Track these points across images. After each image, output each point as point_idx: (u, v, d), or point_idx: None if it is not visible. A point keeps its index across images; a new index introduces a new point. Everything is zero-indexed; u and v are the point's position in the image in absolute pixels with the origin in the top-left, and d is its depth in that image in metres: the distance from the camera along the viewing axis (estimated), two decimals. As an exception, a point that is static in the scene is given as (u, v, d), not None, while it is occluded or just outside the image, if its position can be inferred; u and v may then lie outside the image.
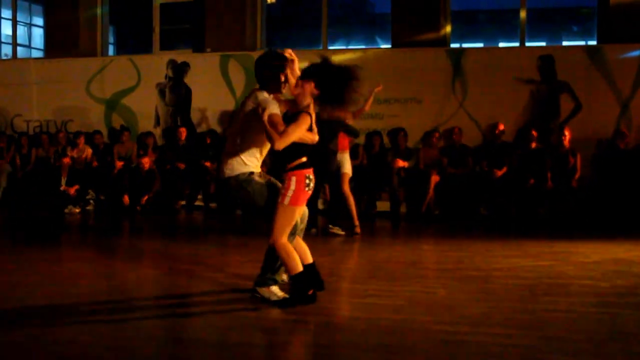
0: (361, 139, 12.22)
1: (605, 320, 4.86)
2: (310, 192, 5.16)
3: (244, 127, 5.20)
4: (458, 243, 8.63)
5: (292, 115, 5.17)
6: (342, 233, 9.12)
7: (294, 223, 5.15)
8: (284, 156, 5.11)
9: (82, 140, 13.25)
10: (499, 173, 11.44)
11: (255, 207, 5.26)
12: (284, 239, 5.09)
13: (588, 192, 11.16)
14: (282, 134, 4.91)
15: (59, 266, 7.13)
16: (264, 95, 5.16)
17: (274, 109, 5.04)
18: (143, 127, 13.56)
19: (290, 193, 5.07)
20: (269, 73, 5.22)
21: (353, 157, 11.81)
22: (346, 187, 9.25)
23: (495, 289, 5.85)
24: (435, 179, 11.53)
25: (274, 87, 5.22)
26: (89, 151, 13.25)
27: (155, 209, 12.14)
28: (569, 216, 10.90)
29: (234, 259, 7.31)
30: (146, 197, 12.18)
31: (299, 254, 5.23)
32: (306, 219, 5.45)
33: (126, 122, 13.65)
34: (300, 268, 5.10)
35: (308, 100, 5.16)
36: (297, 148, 5.09)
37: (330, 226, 9.23)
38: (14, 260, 7.22)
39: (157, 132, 13.56)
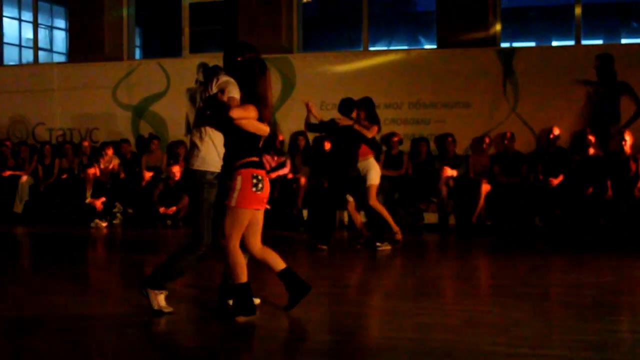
0: (406, 146, 12.28)
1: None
2: (261, 194, 5.23)
3: (209, 117, 5.39)
4: (512, 257, 8.64)
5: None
6: (389, 247, 9.15)
7: (251, 227, 5.28)
8: (234, 153, 5.26)
9: (110, 150, 13.39)
10: (555, 182, 11.39)
11: (195, 212, 5.39)
12: (233, 243, 5.22)
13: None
14: (240, 107, 5.18)
15: (84, 284, 7.27)
16: (226, 77, 5.45)
17: (234, 92, 5.29)
18: (173, 135, 13.65)
19: (235, 193, 5.19)
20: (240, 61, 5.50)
21: (396, 166, 11.91)
22: (373, 201, 9.29)
23: (554, 308, 5.87)
24: (486, 188, 11.51)
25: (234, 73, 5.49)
26: (116, 162, 13.42)
27: (186, 222, 12.25)
28: (632, 228, 10.81)
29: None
30: (174, 209, 12.27)
31: (270, 262, 5.42)
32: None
33: (155, 130, 13.77)
34: (245, 279, 5.24)
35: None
36: (247, 146, 5.26)
37: (378, 244, 9.19)
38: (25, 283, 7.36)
39: (188, 140, 13.65)
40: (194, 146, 5.44)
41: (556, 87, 11.95)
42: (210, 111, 5.35)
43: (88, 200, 12.68)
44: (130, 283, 7.11)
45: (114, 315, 5.63)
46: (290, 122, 12.93)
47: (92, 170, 12.92)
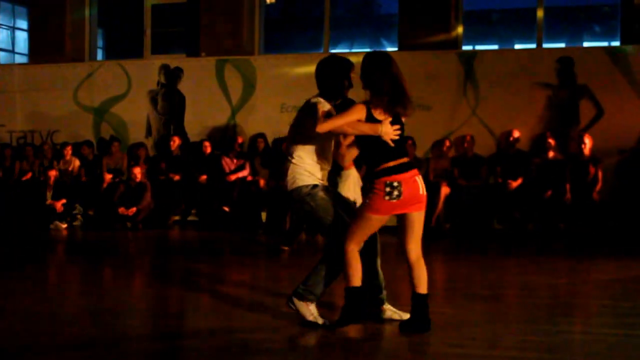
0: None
1: (624, 342, 4.87)
2: (397, 201, 4.93)
3: (302, 137, 5.22)
4: (469, 260, 8.68)
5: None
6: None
7: (369, 232, 5.07)
8: (368, 162, 5.08)
9: (69, 151, 13.32)
10: (514, 184, 11.46)
11: (320, 223, 5.25)
12: (351, 245, 5.04)
13: (610, 204, 11.16)
14: (330, 119, 4.94)
15: (42, 286, 7.18)
16: (318, 98, 5.21)
17: (326, 106, 5.12)
18: (134, 138, 13.59)
19: (367, 199, 5.01)
20: (330, 80, 5.25)
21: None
22: None
23: (507, 309, 5.89)
24: (445, 191, 11.55)
25: (334, 94, 5.27)
26: (76, 163, 13.32)
27: (147, 224, 12.17)
28: (590, 231, 10.90)
29: (231, 276, 7.35)
30: (134, 209, 12.16)
31: (351, 270, 5.12)
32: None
33: (116, 132, 13.69)
34: (358, 283, 5.07)
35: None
36: (378, 151, 4.98)
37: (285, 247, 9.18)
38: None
39: (149, 142, 13.60)
40: (286, 169, 5.30)
41: (517, 90, 12.05)
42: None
43: (48, 202, 12.55)
44: (87, 284, 7.04)
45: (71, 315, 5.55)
46: (250, 124, 12.90)
47: (53, 172, 12.81)
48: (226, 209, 12.00)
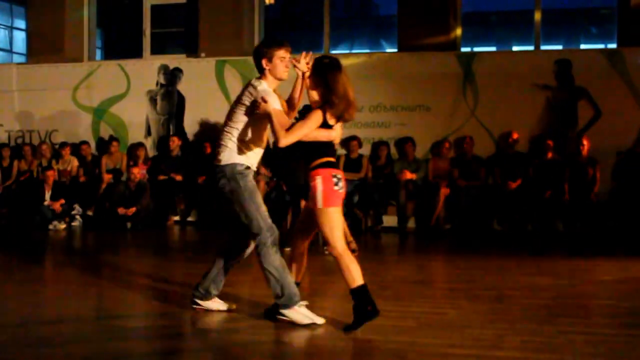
0: (366, 149, 12.30)
1: (625, 343, 4.90)
2: (342, 192, 5.13)
3: (242, 119, 5.31)
4: (470, 260, 8.69)
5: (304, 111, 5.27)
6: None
7: (339, 222, 5.14)
8: (309, 155, 5.15)
9: (67, 151, 13.31)
10: (513, 185, 11.50)
11: (234, 205, 5.32)
12: (340, 245, 5.08)
13: (608, 205, 11.21)
14: (288, 130, 5.02)
15: (41, 287, 7.18)
16: (263, 85, 5.31)
17: (275, 103, 5.17)
18: (133, 138, 13.59)
19: (319, 194, 5.08)
20: (265, 60, 5.35)
21: (356, 169, 11.91)
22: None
23: (509, 310, 5.90)
24: (445, 191, 11.59)
25: (275, 74, 5.36)
26: (74, 163, 13.31)
27: (146, 224, 12.17)
28: (588, 231, 10.95)
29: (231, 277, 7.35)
30: (134, 209, 12.16)
31: (297, 267, 5.38)
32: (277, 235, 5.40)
33: (115, 132, 13.67)
34: (361, 281, 5.09)
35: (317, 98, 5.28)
36: (322, 147, 5.14)
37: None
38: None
39: (148, 142, 13.60)
40: (220, 144, 5.38)
41: (515, 91, 12.08)
42: (251, 115, 5.27)
43: (47, 202, 12.52)
44: (87, 286, 7.05)
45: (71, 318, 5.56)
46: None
47: (52, 172, 12.79)
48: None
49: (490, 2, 19.28)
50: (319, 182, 5.08)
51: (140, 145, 13.32)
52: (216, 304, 5.66)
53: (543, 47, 13.22)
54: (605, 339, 4.96)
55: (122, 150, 13.43)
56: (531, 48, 13.21)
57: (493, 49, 19.88)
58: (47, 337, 5.04)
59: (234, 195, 5.30)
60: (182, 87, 13.52)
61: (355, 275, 5.07)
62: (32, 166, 13.56)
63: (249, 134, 5.31)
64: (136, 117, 13.67)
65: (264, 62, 5.35)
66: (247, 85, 5.40)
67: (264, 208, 5.36)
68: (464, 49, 13.58)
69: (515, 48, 18.12)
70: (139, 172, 12.48)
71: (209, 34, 13.71)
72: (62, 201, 12.56)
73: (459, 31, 13.14)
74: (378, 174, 12.11)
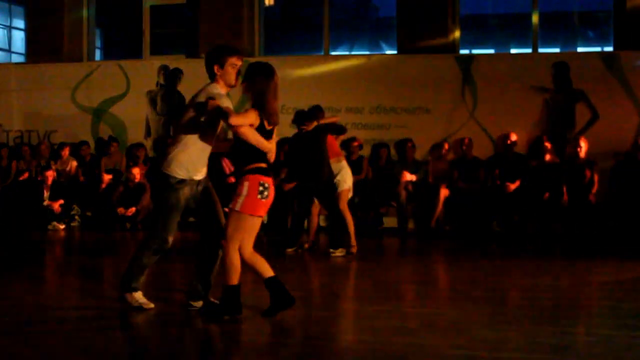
0: (366, 151, 12.31)
1: (626, 343, 4.90)
2: (265, 201, 5.27)
3: (192, 125, 5.44)
4: (470, 261, 8.71)
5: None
6: (342, 255, 8.96)
7: (249, 232, 5.29)
8: (242, 159, 5.31)
9: (66, 151, 13.29)
10: (512, 187, 11.53)
11: (156, 215, 5.65)
12: (232, 245, 5.24)
13: (606, 207, 11.25)
14: (239, 114, 5.20)
15: (39, 287, 7.18)
16: (217, 89, 5.45)
17: (227, 103, 5.32)
18: (133, 138, 13.54)
19: (241, 199, 5.23)
20: (216, 66, 5.50)
21: (356, 171, 11.92)
22: (343, 206, 9.03)
23: (511, 311, 5.92)
24: (444, 193, 11.62)
25: (226, 80, 5.51)
26: (73, 164, 13.28)
27: (146, 225, 12.13)
28: (587, 232, 10.99)
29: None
30: (134, 209, 12.15)
31: (259, 268, 5.38)
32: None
33: (114, 133, 13.63)
34: (237, 282, 5.27)
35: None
36: (256, 152, 5.26)
37: (332, 250, 9.01)
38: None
39: (148, 143, 13.57)
40: (167, 149, 5.58)
41: (514, 93, 12.10)
42: (201, 117, 5.38)
43: (46, 202, 12.50)
44: (86, 286, 7.05)
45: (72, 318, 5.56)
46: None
47: (51, 173, 12.76)
48: (227, 210, 11.96)
49: (488, 5, 19.31)
50: (245, 187, 5.23)
51: (140, 145, 13.29)
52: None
53: (541, 50, 13.25)
54: (608, 340, 4.97)
55: (122, 151, 13.41)
56: (529, 51, 13.24)
57: (491, 51, 19.87)
58: (46, 337, 5.04)
59: (158, 201, 5.63)
60: (182, 88, 13.49)
61: (233, 275, 5.25)
62: (31, 166, 13.52)
63: (196, 142, 5.46)
64: (136, 117, 13.63)
65: (215, 67, 5.51)
66: (200, 90, 5.53)
67: (173, 226, 5.62)
68: (462, 52, 13.60)
69: (513, 51, 18.10)
70: (138, 173, 12.45)
71: (209, 34, 13.68)
72: (61, 201, 12.54)
73: (457, 34, 13.17)
74: (378, 175, 12.12)
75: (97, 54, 16.53)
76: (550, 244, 10.42)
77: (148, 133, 13.63)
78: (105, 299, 6.38)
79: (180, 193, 5.50)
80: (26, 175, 13.35)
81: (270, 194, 5.30)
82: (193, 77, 13.37)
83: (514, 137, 11.86)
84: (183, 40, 14.51)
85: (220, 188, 11.91)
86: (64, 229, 12.27)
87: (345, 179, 9.16)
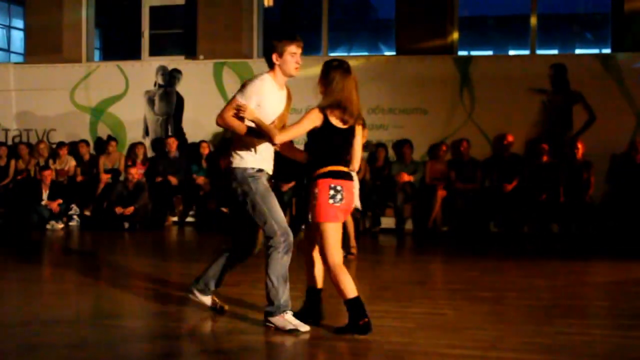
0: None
1: (623, 343, 4.93)
2: (340, 205, 4.94)
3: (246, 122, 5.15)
4: (467, 262, 8.72)
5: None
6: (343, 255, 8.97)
7: (335, 237, 4.97)
8: (313, 162, 5.00)
9: (65, 150, 13.29)
10: (509, 187, 11.55)
11: (246, 208, 5.17)
12: (332, 260, 4.93)
13: (603, 207, 11.28)
14: (288, 129, 5.02)
15: (38, 287, 7.19)
16: (255, 86, 5.15)
17: (254, 100, 5.08)
18: (131, 138, 13.57)
19: (314, 208, 4.95)
20: (275, 55, 5.20)
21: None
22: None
23: (508, 311, 5.94)
24: (442, 193, 11.64)
25: (285, 70, 5.22)
26: (72, 163, 13.29)
27: (144, 225, 12.15)
28: (583, 233, 11.01)
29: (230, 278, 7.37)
30: (132, 209, 12.14)
31: (315, 275, 5.18)
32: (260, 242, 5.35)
33: (113, 132, 13.65)
34: (355, 293, 4.94)
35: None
36: (328, 154, 4.98)
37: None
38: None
39: (147, 142, 13.59)
40: (232, 147, 5.28)
41: (512, 95, 12.14)
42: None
43: (44, 202, 12.50)
44: (84, 286, 7.06)
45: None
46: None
47: (49, 172, 12.76)
48: (225, 210, 11.99)
49: (487, 7, 19.35)
50: (315, 194, 4.95)
51: (139, 144, 13.31)
52: (209, 300, 5.57)
53: (539, 52, 13.28)
54: (605, 340, 5.00)
55: (120, 150, 13.42)
56: (527, 52, 13.27)
57: (490, 53, 19.96)
58: (44, 337, 5.04)
59: (247, 198, 5.17)
60: (180, 88, 13.52)
61: (348, 288, 4.94)
62: (29, 165, 13.52)
63: (254, 137, 5.15)
64: (134, 117, 13.66)
65: (274, 56, 5.19)
66: (244, 85, 5.25)
67: (278, 211, 5.16)
68: (461, 53, 13.64)
69: (511, 52, 18.19)
70: (136, 172, 12.45)
71: (208, 36, 13.69)
72: (60, 201, 12.52)
73: (456, 35, 13.18)
74: (376, 176, 12.13)
75: (96, 55, 16.52)
76: (547, 244, 10.44)
77: (147, 133, 13.67)
78: (105, 299, 6.40)
79: (262, 180, 5.19)
80: (24, 174, 13.34)
81: (346, 197, 4.95)
82: (191, 78, 13.44)
83: (510, 138, 11.89)
84: (182, 41, 14.51)
85: (219, 188, 12.08)
86: (62, 228, 12.27)
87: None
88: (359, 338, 4.95)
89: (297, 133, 5.02)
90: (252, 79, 5.23)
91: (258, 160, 5.19)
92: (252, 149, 5.17)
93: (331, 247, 4.94)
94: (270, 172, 5.32)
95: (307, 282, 5.31)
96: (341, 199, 4.93)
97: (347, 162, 5.12)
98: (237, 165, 5.20)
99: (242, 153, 5.19)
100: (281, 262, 5.11)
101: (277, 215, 5.13)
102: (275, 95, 5.22)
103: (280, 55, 5.17)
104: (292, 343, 4.95)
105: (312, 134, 5.06)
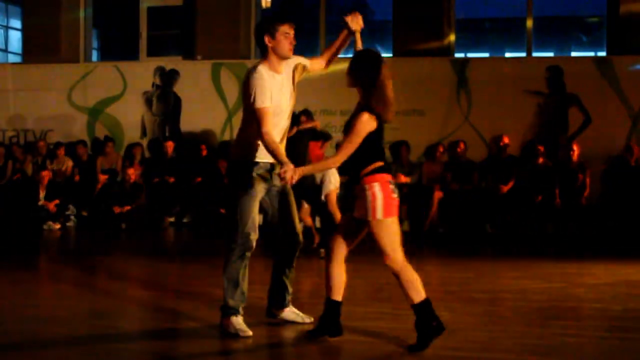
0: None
1: (617, 345, 4.95)
2: (397, 199, 4.71)
3: (249, 113, 4.99)
4: (463, 263, 8.74)
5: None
6: None
7: (398, 234, 4.76)
8: (358, 161, 4.71)
9: (62, 151, 13.28)
10: (505, 188, 11.57)
11: (235, 203, 5.05)
12: (399, 259, 4.74)
13: (598, 209, 11.31)
14: (343, 148, 4.66)
15: (35, 287, 7.19)
16: (255, 79, 4.91)
17: (266, 100, 4.86)
18: (129, 138, 13.57)
19: (379, 204, 4.62)
20: (267, 37, 5.01)
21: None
22: (332, 207, 8.84)
23: (502, 312, 5.95)
24: (438, 195, 11.65)
25: (279, 52, 5.02)
26: (69, 163, 13.27)
27: (141, 225, 12.15)
28: (578, 235, 11.04)
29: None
30: (128, 208, 12.14)
31: (336, 284, 4.90)
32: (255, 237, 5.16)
33: (111, 133, 13.65)
34: (424, 294, 4.74)
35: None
36: (373, 150, 4.74)
37: (322, 250, 9.02)
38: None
39: (144, 143, 13.59)
40: (235, 139, 5.15)
41: (508, 97, 12.18)
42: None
43: (41, 202, 12.49)
44: (80, 286, 7.07)
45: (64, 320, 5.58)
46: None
47: (46, 172, 12.75)
48: (223, 211, 11.98)
49: (483, 9, 19.38)
50: (377, 190, 4.65)
51: (137, 145, 13.31)
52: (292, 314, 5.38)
53: (535, 54, 13.32)
54: (599, 342, 5.02)
55: (118, 151, 13.42)
56: (523, 55, 13.31)
57: (486, 55, 19.99)
58: (41, 337, 5.05)
59: (234, 190, 5.06)
60: (178, 89, 13.52)
61: (419, 289, 4.74)
62: (25, 165, 13.49)
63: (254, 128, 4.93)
64: (132, 118, 13.66)
65: (266, 38, 4.97)
66: (246, 83, 5.00)
67: (251, 214, 5.03)
68: (457, 55, 13.66)
69: (507, 54, 18.21)
70: (134, 173, 12.46)
71: (206, 36, 13.71)
72: (57, 201, 12.53)
73: (452, 37, 13.21)
74: (372, 177, 12.10)
75: (94, 55, 16.52)
76: (543, 245, 10.46)
77: (144, 134, 13.67)
78: (101, 299, 6.40)
79: (255, 179, 5.03)
80: (18, 175, 13.31)
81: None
82: (189, 78, 13.44)
83: (506, 140, 11.91)
84: (179, 42, 14.51)
85: (219, 189, 12.08)
86: (59, 228, 12.26)
87: (331, 179, 8.99)
88: (358, 339, 4.95)
89: (354, 147, 4.66)
90: (249, 79, 4.95)
91: (255, 151, 4.99)
92: (254, 140, 4.97)
93: (396, 243, 4.75)
94: (269, 162, 5.06)
95: (326, 294, 4.99)
96: (397, 192, 4.75)
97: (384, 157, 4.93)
98: (235, 157, 5.11)
99: (241, 143, 5.06)
100: (234, 265, 5.04)
101: (248, 219, 5.01)
102: (275, 83, 4.98)
103: (273, 36, 4.97)
104: (285, 343, 4.96)
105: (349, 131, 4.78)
